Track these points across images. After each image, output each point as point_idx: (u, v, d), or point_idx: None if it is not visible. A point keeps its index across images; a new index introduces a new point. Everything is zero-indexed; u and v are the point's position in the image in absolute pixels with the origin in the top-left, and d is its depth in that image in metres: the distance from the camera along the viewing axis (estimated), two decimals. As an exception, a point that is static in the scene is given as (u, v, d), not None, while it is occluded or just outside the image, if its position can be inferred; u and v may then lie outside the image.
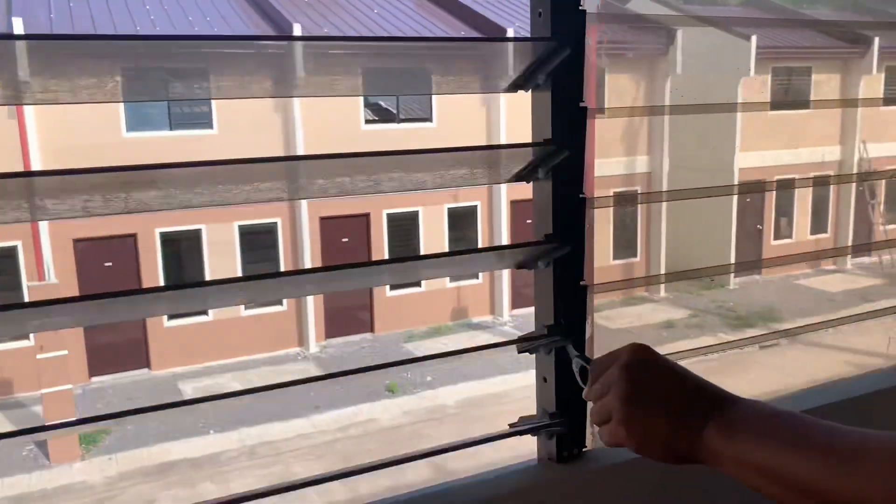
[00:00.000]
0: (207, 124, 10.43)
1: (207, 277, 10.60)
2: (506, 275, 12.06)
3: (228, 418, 8.84)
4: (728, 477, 0.72)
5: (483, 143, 11.77)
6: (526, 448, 1.16)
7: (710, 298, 12.54)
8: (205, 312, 10.70)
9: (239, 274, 10.82)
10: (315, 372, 10.07)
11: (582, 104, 1.09)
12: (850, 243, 15.56)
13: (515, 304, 12.13)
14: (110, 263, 10.09)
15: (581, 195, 0.96)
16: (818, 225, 15.55)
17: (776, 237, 15.26)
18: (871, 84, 14.28)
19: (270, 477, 7.51)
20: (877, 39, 14.04)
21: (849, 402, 1.32)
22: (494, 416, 7.34)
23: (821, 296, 13.45)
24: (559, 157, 0.93)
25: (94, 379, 10.04)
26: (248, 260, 10.91)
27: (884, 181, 15.50)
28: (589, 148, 1.18)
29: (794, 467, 0.64)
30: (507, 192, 11.76)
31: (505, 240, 11.93)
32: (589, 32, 0.95)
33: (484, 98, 11.79)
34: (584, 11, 0.91)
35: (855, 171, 14.92)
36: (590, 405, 0.81)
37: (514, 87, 0.94)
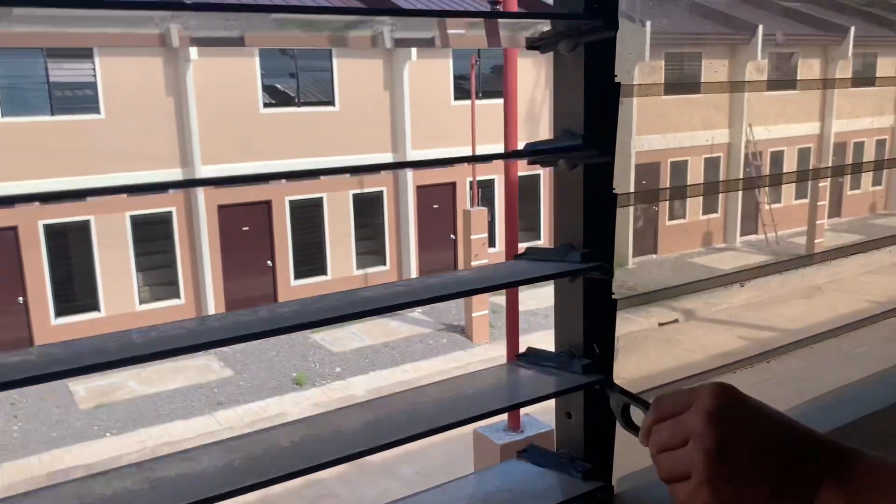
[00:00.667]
0: (94, 109, 9.78)
1: (98, 270, 9.99)
2: (413, 260, 11.95)
3: (126, 419, 8.37)
4: None
5: (387, 126, 11.57)
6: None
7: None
8: (97, 308, 10.09)
9: (132, 265, 10.25)
10: (217, 366, 9.66)
11: (616, 79, 0.93)
12: (738, 222, 16.28)
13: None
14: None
15: (613, 190, 0.83)
16: (710, 206, 16.18)
17: (671, 218, 15.78)
18: (756, 68, 14.95)
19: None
20: (760, 27, 14.65)
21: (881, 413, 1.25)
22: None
23: (714, 272, 14.02)
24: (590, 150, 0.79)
25: None
26: (140, 251, 10.35)
27: (767, 162, 16.30)
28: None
29: None
30: (414, 178, 11.61)
31: (412, 226, 11.80)
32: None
33: (387, 82, 11.57)
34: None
35: (742, 152, 15.60)
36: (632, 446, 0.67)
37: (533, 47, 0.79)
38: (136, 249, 10.31)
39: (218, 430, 8.30)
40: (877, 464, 0.57)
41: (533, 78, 12.20)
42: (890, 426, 1.31)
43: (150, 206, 10.28)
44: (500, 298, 10.59)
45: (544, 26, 0.80)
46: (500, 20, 0.83)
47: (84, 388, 9.12)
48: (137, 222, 10.26)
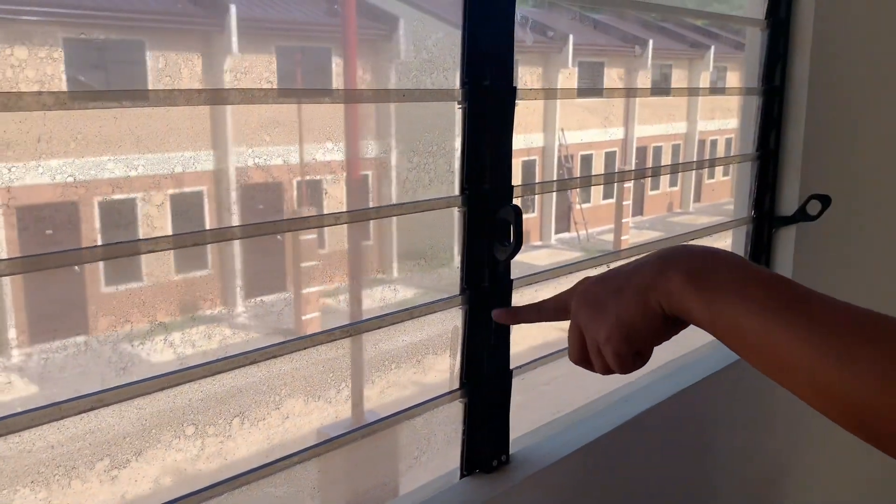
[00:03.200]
0: None
1: None
2: (238, 262, 11.47)
3: None
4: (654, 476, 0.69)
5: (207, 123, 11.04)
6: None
7: (440, 276, 13.07)
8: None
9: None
10: (23, 385, 8.77)
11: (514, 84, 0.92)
12: (553, 221, 17.15)
13: (249, 294, 11.60)
14: None
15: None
16: (526, 206, 16.95)
17: (491, 217, 16.38)
18: (643, 77, 15.98)
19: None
20: (651, 41, 15.72)
21: (682, 394, 1.35)
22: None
23: (531, 269, 14.70)
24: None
25: None
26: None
27: (578, 164, 17.35)
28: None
29: (778, 343, 0.55)
30: (237, 176, 11.15)
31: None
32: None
33: (209, 83, 11.03)
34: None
35: (555, 155, 16.45)
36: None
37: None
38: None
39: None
40: (730, 258, 0.63)
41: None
42: (723, 387, 1.42)
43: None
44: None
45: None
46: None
47: None
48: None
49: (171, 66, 10.87)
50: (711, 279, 0.60)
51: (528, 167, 16.53)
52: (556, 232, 17.10)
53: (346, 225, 0.82)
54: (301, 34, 11.77)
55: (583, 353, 0.71)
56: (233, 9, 10.85)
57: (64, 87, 9.93)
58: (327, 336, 0.87)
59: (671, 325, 0.65)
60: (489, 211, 0.98)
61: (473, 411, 1.02)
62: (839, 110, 1.58)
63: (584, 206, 17.16)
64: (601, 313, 0.67)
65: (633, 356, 0.67)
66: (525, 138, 15.87)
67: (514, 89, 0.99)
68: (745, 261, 0.63)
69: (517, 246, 0.97)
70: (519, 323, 0.87)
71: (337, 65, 12.20)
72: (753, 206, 1.59)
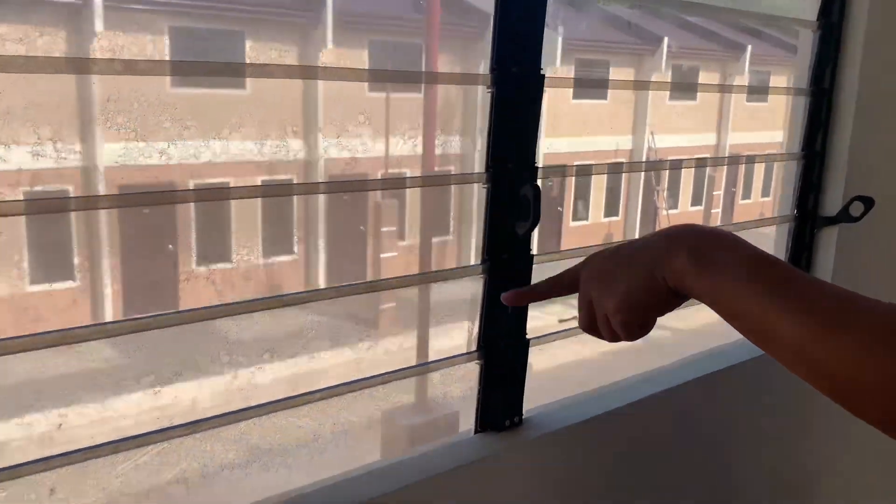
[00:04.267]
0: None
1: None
2: (322, 250, 11.83)
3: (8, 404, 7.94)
4: (670, 443, 0.73)
5: (299, 111, 11.41)
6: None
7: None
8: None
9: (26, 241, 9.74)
10: (116, 356, 9.31)
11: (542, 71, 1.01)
12: (637, 226, 16.90)
13: (330, 280, 11.95)
14: None
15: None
16: (611, 209, 16.75)
17: (574, 219, 16.24)
18: (660, 80, 15.57)
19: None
20: (665, 39, 15.26)
21: (694, 383, 1.38)
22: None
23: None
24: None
25: None
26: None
27: (667, 171, 17.05)
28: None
29: (773, 323, 0.60)
30: (325, 167, 11.49)
31: (321, 217, 11.69)
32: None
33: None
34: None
35: (644, 158, 16.23)
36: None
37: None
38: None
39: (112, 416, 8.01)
40: (731, 238, 0.68)
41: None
42: (751, 377, 1.45)
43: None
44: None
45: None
46: None
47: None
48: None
49: (265, 60, 11.26)
50: (712, 259, 0.65)
51: (615, 169, 16.38)
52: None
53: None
54: (393, 29, 11.97)
55: (592, 323, 0.76)
56: (329, 3, 11.19)
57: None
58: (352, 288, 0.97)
59: (675, 299, 0.71)
60: (512, 188, 1.06)
61: (488, 374, 1.10)
62: (887, 114, 1.58)
63: (672, 212, 16.90)
64: (610, 286, 0.72)
65: (638, 325, 0.73)
66: (613, 140, 15.74)
67: (542, 76, 1.06)
68: (743, 242, 0.68)
69: (535, 222, 1.05)
70: (531, 302, 0.91)
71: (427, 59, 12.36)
72: (796, 204, 1.61)
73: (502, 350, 1.11)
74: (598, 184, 16.12)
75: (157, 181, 10.58)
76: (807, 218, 1.61)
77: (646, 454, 1.32)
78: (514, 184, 1.07)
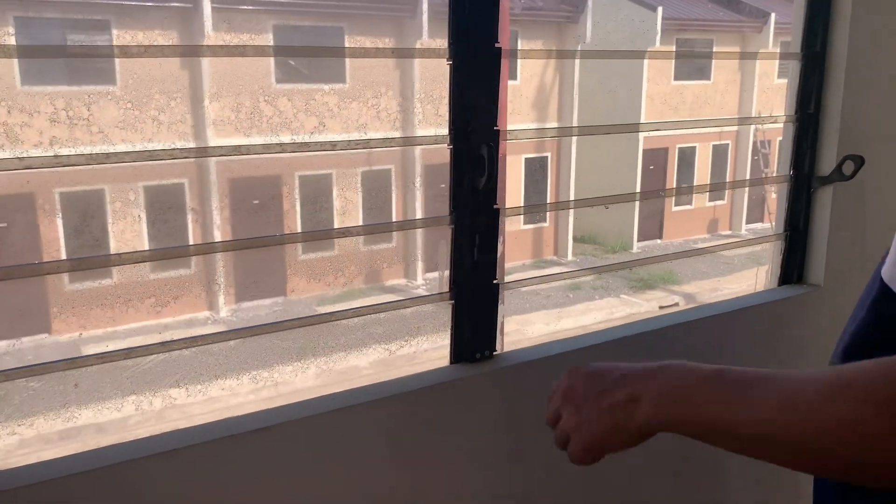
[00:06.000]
0: (110, 80, 10.02)
1: (111, 240, 10.28)
2: (420, 237, 12.17)
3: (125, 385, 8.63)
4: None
5: (395, 106, 11.77)
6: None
7: (615, 261, 13.02)
8: (109, 275, 10.38)
9: (146, 235, 10.53)
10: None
11: (497, 45, 1.19)
12: (745, 210, 16.37)
13: (428, 267, 12.27)
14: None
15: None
16: (717, 193, 16.27)
17: (677, 203, 15.91)
18: (767, 58, 14.98)
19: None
20: (773, 15, 14.68)
21: (641, 336, 1.47)
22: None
23: (717, 259, 14.17)
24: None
25: (-10, 344, 9.63)
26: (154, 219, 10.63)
27: (776, 150, 16.38)
28: (501, 108, 1.28)
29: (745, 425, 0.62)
30: (422, 156, 11.81)
31: (419, 206, 12.02)
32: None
33: (398, 62, 11.74)
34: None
35: (750, 139, 15.69)
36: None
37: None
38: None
39: (221, 395, 8.58)
40: (680, 369, 0.69)
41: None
42: (742, 321, 1.53)
43: (163, 176, 10.54)
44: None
45: None
46: None
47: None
48: (150, 192, 10.53)
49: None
50: (682, 396, 0.67)
51: (720, 151, 15.91)
52: (748, 222, 16.36)
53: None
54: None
55: (555, 423, 0.80)
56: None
57: (272, 70, 10.82)
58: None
59: (642, 438, 0.71)
60: (472, 149, 1.22)
61: (459, 312, 1.27)
62: (877, 75, 1.62)
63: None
64: (580, 426, 0.75)
65: (592, 459, 0.75)
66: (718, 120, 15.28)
67: (498, 49, 1.21)
68: (698, 367, 0.69)
69: (490, 178, 1.20)
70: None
71: (521, 45, 12.39)
72: (792, 165, 1.68)
73: (470, 292, 1.27)
74: (703, 165, 15.72)
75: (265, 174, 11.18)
76: (803, 178, 1.68)
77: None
78: (473, 146, 1.22)
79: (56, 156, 0.82)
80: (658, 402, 0.68)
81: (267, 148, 1.07)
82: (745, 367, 0.66)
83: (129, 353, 1.04)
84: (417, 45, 11.45)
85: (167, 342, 1.04)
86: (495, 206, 1.28)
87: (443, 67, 1.23)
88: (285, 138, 10.57)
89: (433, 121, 11.78)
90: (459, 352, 1.30)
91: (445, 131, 1.26)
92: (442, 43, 1.26)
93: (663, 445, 0.83)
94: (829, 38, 1.63)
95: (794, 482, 1.52)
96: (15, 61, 9.17)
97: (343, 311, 1.20)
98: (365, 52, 1.23)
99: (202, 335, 1.07)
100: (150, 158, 1.00)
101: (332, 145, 1.13)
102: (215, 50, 0.97)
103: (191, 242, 10.86)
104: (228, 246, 1.21)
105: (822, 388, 0.58)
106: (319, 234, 1.01)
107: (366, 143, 1.17)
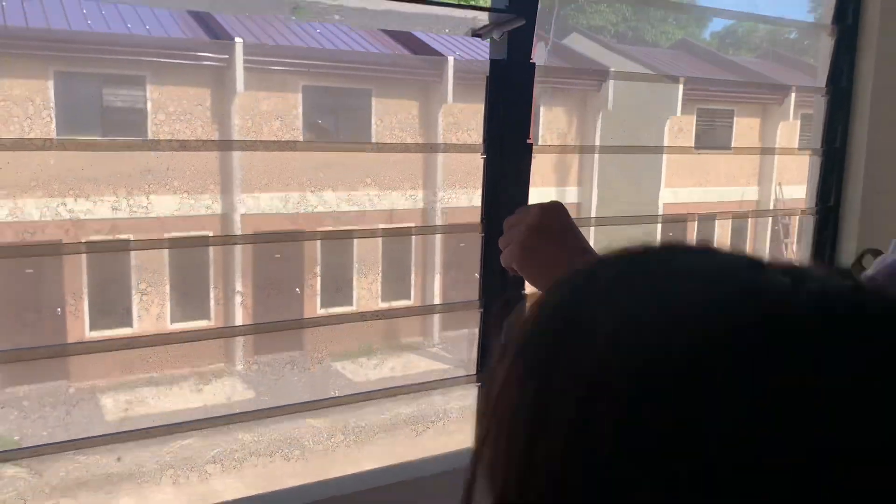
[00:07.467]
0: (142, 132, 10.29)
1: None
2: (437, 291, 12.19)
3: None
4: None
5: (420, 173, 11.95)
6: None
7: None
8: (129, 324, 10.49)
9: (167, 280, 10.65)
10: (241, 388, 9.97)
11: (529, 141, 1.24)
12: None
13: (445, 326, 12.26)
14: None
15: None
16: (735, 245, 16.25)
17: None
18: (788, 129, 15.09)
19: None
20: (794, 87, 14.83)
21: None
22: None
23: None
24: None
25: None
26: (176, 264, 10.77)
27: (796, 222, 16.38)
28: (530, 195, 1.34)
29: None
30: (443, 217, 11.93)
31: (438, 261, 12.09)
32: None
33: (423, 129, 11.96)
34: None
35: (771, 209, 15.70)
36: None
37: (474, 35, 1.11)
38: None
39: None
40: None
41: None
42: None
43: (187, 228, 10.71)
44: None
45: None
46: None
47: (112, 401, 9.46)
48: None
49: (390, 115, 11.88)
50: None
51: (740, 222, 15.92)
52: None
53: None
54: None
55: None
56: (450, 61, 11.71)
57: (300, 128, 11.08)
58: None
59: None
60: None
61: (486, 321, 1.30)
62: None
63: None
64: (541, 239, 0.84)
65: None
66: (738, 190, 15.34)
67: (529, 146, 1.28)
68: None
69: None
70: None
71: (543, 115, 12.61)
72: (812, 256, 1.72)
73: (499, 301, 1.30)
74: (723, 232, 15.71)
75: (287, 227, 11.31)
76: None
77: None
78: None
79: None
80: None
81: (299, 235, 1.12)
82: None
83: (170, 428, 1.08)
84: (441, 110, 11.69)
85: (203, 420, 1.09)
86: (524, 292, 1.32)
87: (476, 161, 1.29)
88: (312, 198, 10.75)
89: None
90: (486, 362, 1.33)
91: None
92: (464, 108, 1.33)
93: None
94: (849, 134, 1.68)
95: None
96: (53, 117, 9.46)
97: (370, 391, 1.24)
98: (405, 148, 1.30)
99: (239, 413, 1.12)
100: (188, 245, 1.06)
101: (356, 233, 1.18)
102: (268, 145, 1.04)
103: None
104: (249, 329, 1.25)
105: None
106: (343, 317, 1.04)
107: (408, 231, 1.23)
